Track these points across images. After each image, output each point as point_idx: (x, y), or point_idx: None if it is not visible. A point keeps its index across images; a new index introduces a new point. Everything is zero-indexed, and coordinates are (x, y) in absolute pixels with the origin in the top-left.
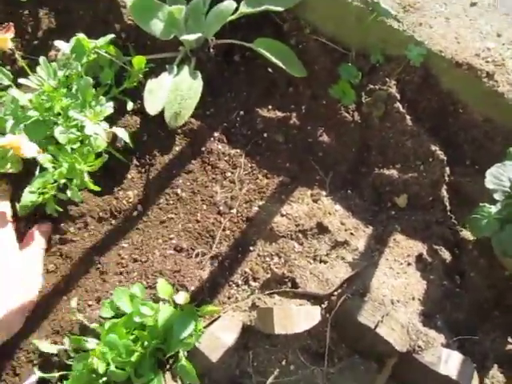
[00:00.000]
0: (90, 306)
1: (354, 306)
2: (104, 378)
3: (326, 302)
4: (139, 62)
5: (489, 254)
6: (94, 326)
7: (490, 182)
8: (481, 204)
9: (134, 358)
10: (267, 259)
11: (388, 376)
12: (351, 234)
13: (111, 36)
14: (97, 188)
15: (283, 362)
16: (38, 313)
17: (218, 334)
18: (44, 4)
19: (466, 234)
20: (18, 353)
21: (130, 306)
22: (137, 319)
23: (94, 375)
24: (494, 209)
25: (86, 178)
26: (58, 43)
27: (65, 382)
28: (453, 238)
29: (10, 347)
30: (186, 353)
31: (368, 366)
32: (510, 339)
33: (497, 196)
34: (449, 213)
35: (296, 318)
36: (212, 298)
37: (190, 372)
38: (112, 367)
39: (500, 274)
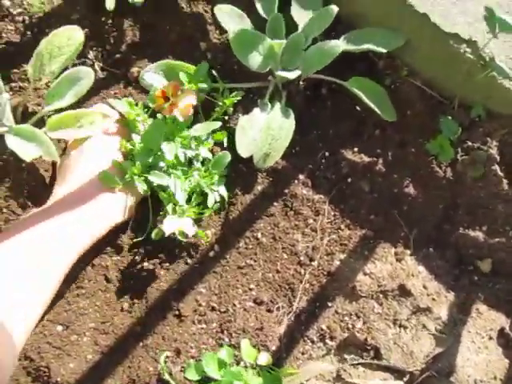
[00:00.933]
0: (168, 357)
1: None
2: None
3: (408, 376)
4: (231, 100)
5: None
6: None
7: None
8: None
9: None
10: (346, 318)
11: None
12: (433, 299)
13: (206, 66)
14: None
15: None
16: (113, 357)
17: None
18: (130, 16)
19: None
20: None
21: (218, 373)
22: None
23: None
24: None
25: None
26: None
27: None
28: None
29: None
30: None
31: None
32: None
33: None
34: None
35: None
36: (288, 354)
37: None
38: None
39: None
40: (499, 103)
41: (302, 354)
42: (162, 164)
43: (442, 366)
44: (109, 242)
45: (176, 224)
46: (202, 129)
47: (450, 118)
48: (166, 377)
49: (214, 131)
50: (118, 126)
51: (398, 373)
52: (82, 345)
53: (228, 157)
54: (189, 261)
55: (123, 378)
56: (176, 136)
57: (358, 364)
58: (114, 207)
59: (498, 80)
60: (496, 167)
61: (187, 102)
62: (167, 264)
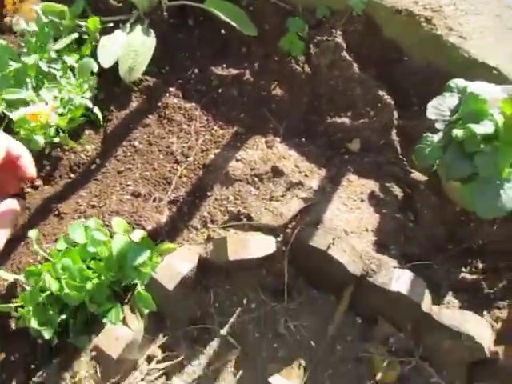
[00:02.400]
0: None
1: (307, 234)
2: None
3: (281, 235)
4: (94, 22)
5: (440, 193)
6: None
7: (431, 113)
8: (424, 134)
9: (89, 286)
10: (224, 202)
11: (346, 306)
12: (305, 175)
13: (82, 3)
14: (72, 143)
15: (244, 301)
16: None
17: (174, 264)
18: None
19: (418, 175)
20: None
21: (85, 236)
22: (91, 249)
23: (46, 293)
24: (436, 137)
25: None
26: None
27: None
28: (404, 178)
29: None
30: (143, 286)
31: (326, 299)
32: (463, 269)
33: (438, 125)
34: (399, 154)
35: (250, 245)
36: (171, 241)
37: (146, 299)
38: (66, 290)
39: (451, 210)
40: (337, 2)
41: (187, 241)
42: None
43: (310, 220)
44: None
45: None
46: (63, 42)
47: (296, 18)
48: (36, 247)
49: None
50: None
51: (269, 232)
52: None
53: (92, 62)
54: (72, 175)
55: (7, 269)
56: (38, 52)
57: (229, 226)
58: None
59: None
60: (344, 53)
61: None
62: (51, 178)
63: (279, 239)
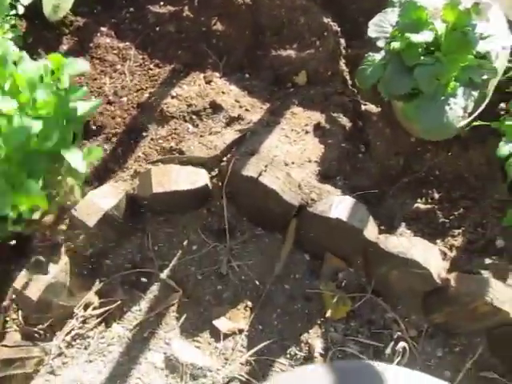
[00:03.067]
0: None
1: (241, 164)
2: None
3: (216, 170)
4: None
5: (394, 124)
6: None
7: (372, 31)
8: (366, 55)
9: None
10: (160, 141)
11: (292, 243)
12: (246, 110)
13: None
14: None
15: (185, 243)
16: None
17: (96, 200)
18: None
19: (371, 107)
20: None
21: None
22: None
23: None
24: (378, 56)
25: None
26: None
27: None
28: (354, 109)
29: None
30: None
31: (272, 237)
32: (418, 200)
33: (380, 43)
34: (349, 85)
35: (176, 176)
36: (101, 184)
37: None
38: None
39: (406, 140)
40: None
41: (116, 182)
42: None
43: (245, 150)
44: None
45: None
46: None
47: None
48: None
49: None
50: None
51: (199, 164)
52: None
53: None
54: None
55: None
56: None
57: (158, 161)
58: None
59: None
60: None
61: None
62: None
63: (214, 174)
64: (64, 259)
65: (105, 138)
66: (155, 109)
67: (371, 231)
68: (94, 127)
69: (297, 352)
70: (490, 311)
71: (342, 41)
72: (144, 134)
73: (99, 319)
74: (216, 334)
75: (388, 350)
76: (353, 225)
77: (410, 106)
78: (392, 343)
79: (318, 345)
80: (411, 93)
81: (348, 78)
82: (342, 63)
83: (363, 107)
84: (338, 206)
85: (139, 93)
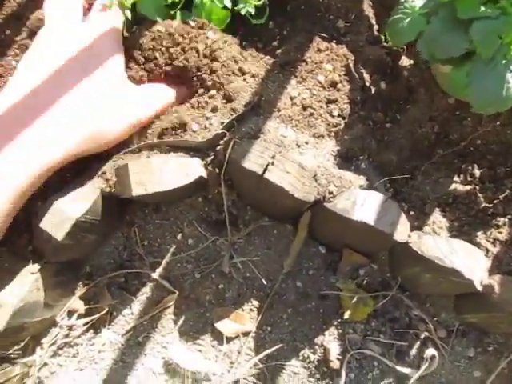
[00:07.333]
0: None
1: (241, 151)
2: None
3: (212, 155)
4: None
5: (429, 81)
6: None
7: None
8: (401, 0)
9: None
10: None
11: (304, 236)
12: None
13: None
14: None
15: (178, 237)
16: None
17: (63, 207)
18: None
19: (403, 59)
20: None
21: None
22: None
23: None
24: (418, 2)
25: None
26: None
27: None
28: (381, 63)
29: None
30: None
31: (281, 229)
32: (455, 178)
33: None
34: (374, 32)
35: (159, 171)
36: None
37: None
38: None
39: (443, 103)
40: None
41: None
42: None
43: (246, 131)
44: None
45: None
46: None
47: None
48: None
49: None
50: None
51: (191, 150)
52: None
53: None
54: None
55: None
56: None
57: (136, 150)
58: None
59: None
60: None
61: None
62: None
63: (210, 159)
64: (33, 277)
65: None
66: None
67: (402, 231)
68: None
69: (310, 355)
70: None
71: None
72: None
73: (86, 326)
74: (219, 337)
75: (413, 351)
76: (381, 230)
77: (459, 73)
78: (418, 343)
79: (335, 347)
80: (462, 54)
81: (374, 22)
82: (368, 4)
83: (391, 62)
84: (362, 204)
85: None
